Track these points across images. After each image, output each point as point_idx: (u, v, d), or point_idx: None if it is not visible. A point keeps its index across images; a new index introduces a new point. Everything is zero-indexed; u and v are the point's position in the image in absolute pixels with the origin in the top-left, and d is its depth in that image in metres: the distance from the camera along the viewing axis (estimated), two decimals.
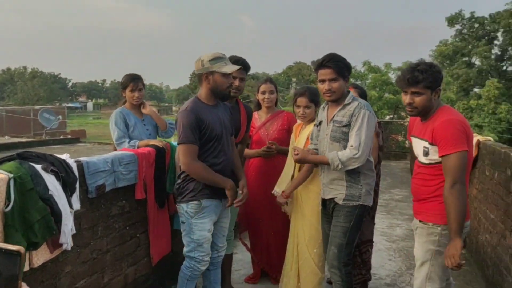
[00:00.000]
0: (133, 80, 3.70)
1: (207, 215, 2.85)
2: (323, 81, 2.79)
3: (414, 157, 2.74)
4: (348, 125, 2.75)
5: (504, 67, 40.76)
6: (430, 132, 2.42)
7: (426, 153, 2.46)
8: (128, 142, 3.49)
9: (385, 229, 5.70)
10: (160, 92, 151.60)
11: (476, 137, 4.83)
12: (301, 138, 3.42)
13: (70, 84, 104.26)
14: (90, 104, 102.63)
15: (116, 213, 3.01)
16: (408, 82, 2.42)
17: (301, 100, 3.39)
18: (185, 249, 2.92)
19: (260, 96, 3.74)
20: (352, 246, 2.86)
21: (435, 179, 2.45)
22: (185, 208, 2.84)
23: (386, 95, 24.06)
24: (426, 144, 2.45)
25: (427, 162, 2.48)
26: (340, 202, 2.82)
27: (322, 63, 2.77)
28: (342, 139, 2.79)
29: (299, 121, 3.52)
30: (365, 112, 2.72)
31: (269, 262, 3.83)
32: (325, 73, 2.76)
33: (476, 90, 37.94)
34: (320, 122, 2.99)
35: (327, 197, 2.92)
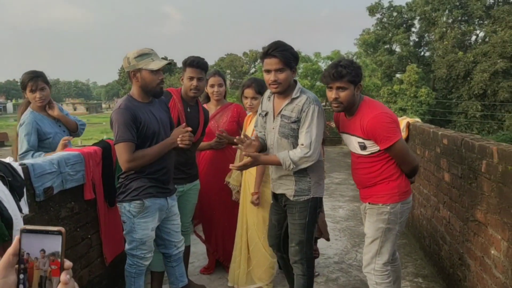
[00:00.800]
0: (32, 79, 3.24)
1: (150, 214, 2.80)
2: (268, 71, 2.63)
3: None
4: (297, 121, 2.66)
5: (422, 53, 43.62)
6: (360, 128, 2.59)
7: (363, 147, 2.65)
8: (32, 155, 3.09)
9: (328, 211, 5.97)
10: (87, 89, 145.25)
11: (406, 119, 5.20)
12: (249, 128, 3.51)
13: None
14: (10, 105, 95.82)
15: (66, 215, 2.91)
16: (333, 76, 2.54)
17: (248, 92, 3.47)
18: (127, 246, 2.86)
19: (209, 89, 3.75)
20: (312, 240, 2.88)
21: (377, 165, 2.65)
22: (127, 207, 2.77)
23: (318, 83, 24.95)
24: (360, 139, 2.63)
25: (367, 153, 2.66)
26: (291, 199, 2.79)
27: (267, 52, 2.62)
28: (290, 135, 2.70)
29: (248, 113, 3.60)
30: (314, 108, 2.63)
31: (225, 252, 3.90)
32: (270, 62, 2.60)
33: (398, 75, 40.26)
34: (266, 113, 2.87)
35: (277, 191, 2.88)
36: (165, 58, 3.55)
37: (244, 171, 3.49)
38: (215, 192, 3.74)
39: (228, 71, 54.75)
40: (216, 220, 3.85)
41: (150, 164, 2.76)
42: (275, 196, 2.98)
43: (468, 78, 34.94)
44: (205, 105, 3.80)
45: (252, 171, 3.41)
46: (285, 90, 2.71)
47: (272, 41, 2.69)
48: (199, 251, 4.41)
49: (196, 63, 3.27)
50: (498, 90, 33.49)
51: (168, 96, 3.32)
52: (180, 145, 2.82)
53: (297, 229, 2.83)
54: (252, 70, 56.52)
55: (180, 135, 2.84)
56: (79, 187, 3.01)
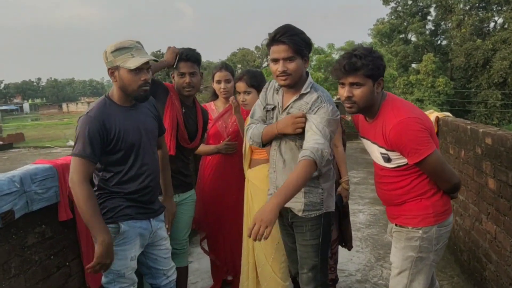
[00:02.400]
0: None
1: (129, 240, 2.28)
2: (275, 60, 2.17)
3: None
4: (306, 121, 2.22)
5: (439, 42, 42.46)
6: (382, 137, 2.05)
7: (387, 160, 2.10)
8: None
9: None
10: (101, 87, 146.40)
11: (434, 114, 4.62)
12: None
13: (2, 85, 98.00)
14: (26, 105, 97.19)
15: (34, 242, 2.43)
16: (345, 69, 2.00)
17: (239, 86, 2.96)
18: (103, 280, 2.35)
19: (215, 86, 3.27)
20: (327, 261, 2.42)
21: (405, 179, 2.10)
22: None
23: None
24: (383, 150, 2.09)
25: (392, 166, 2.11)
26: (300, 214, 2.31)
27: (274, 38, 2.15)
28: (298, 138, 2.25)
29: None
30: (327, 107, 2.17)
31: (234, 266, 3.40)
32: (278, 50, 2.14)
33: (414, 65, 39.26)
34: (274, 108, 2.38)
35: None
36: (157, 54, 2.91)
37: (246, 181, 2.97)
38: (223, 201, 3.26)
39: (240, 66, 54.21)
40: (225, 232, 3.36)
41: (127, 182, 2.26)
42: (280, 212, 2.45)
43: (487, 66, 33.73)
44: (212, 103, 3.35)
45: (255, 181, 2.90)
46: (296, 83, 2.22)
47: (281, 25, 2.18)
48: (203, 268, 3.93)
49: (186, 55, 2.78)
50: None
51: (166, 91, 2.85)
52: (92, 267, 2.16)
53: (309, 251, 2.35)
54: (265, 64, 55.91)
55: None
56: (52, 206, 2.53)
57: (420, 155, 1.96)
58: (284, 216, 2.44)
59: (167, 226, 2.57)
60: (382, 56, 2.06)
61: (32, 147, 18.12)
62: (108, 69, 2.23)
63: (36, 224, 2.45)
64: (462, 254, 3.63)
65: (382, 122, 2.05)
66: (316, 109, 2.17)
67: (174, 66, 2.85)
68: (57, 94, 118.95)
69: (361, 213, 5.60)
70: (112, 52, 2.18)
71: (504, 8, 36.23)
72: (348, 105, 2.07)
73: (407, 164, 2.04)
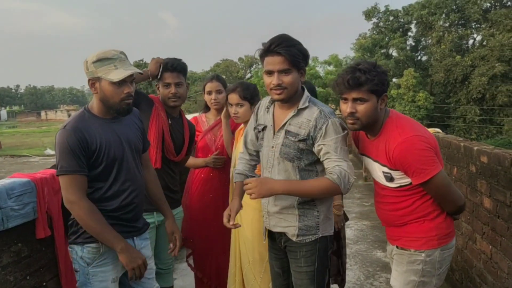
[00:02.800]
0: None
1: (111, 261, 2.12)
2: (270, 72, 2.02)
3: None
4: (307, 139, 2.06)
5: (419, 57, 43.32)
6: (386, 155, 1.96)
7: (390, 179, 2.01)
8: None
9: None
10: (82, 95, 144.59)
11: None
12: (240, 143, 2.86)
13: None
14: (3, 112, 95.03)
15: (10, 262, 2.25)
16: (349, 84, 1.91)
17: (232, 97, 2.82)
18: None
19: (206, 97, 3.16)
20: None
21: (408, 200, 2.01)
22: (80, 253, 2.10)
23: (316, 88, 24.45)
24: (385, 169, 2.00)
25: (394, 186, 2.03)
26: (294, 239, 2.16)
27: (269, 48, 2.00)
28: (297, 157, 2.09)
29: (241, 126, 2.97)
30: (334, 121, 2.02)
31: (220, 283, 3.26)
32: (273, 61, 2.00)
33: (395, 80, 39.87)
34: (264, 128, 2.24)
35: (274, 229, 2.24)
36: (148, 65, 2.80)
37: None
38: (211, 216, 3.12)
39: (224, 77, 54.15)
40: (212, 248, 3.22)
41: (109, 199, 2.12)
42: (271, 234, 2.33)
43: (466, 82, 34.49)
44: (203, 115, 3.25)
45: (245, 197, 2.77)
46: (291, 98, 2.08)
47: (276, 35, 2.03)
48: (188, 286, 3.79)
49: (171, 66, 2.67)
50: (496, 94, 33.06)
51: (151, 103, 2.72)
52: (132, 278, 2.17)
53: (304, 279, 2.20)
54: (248, 76, 56.06)
55: (170, 250, 2.38)
56: (29, 223, 2.36)
57: (425, 175, 1.87)
58: (277, 240, 2.29)
59: (171, 249, 2.45)
60: (386, 71, 1.98)
61: (9, 156, 17.56)
62: (89, 80, 2.09)
63: (12, 242, 2.28)
64: (454, 273, 3.56)
65: (385, 139, 1.97)
66: (324, 127, 2.01)
67: (158, 77, 2.73)
68: (36, 101, 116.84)
69: (348, 228, 5.51)
70: (94, 62, 2.03)
71: (483, 25, 37.30)
72: (351, 121, 1.98)
73: (410, 184, 1.95)
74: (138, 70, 2.12)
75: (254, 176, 2.32)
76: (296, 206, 2.13)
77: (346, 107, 1.97)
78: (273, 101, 2.23)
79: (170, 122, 2.76)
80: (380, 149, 1.99)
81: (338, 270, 3.13)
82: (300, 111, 2.09)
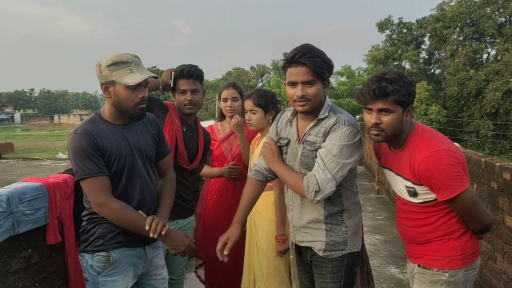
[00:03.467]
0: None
1: (120, 270, 2.09)
2: (293, 83, 1.97)
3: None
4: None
5: (432, 70, 43.08)
6: (410, 169, 1.89)
7: (413, 194, 1.94)
8: None
9: None
10: (95, 100, 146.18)
11: None
12: (257, 151, 2.80)
13: None
14: (17, 115, 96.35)
15: (19, 268, 2.21)
16: (374, 94, 1.84)
17: (247, 104, 2.81)
18: None
19: (222, 104, 3.13)
20: None
21: (432, 217, 1.93)
22: (89, 261, 2.07)
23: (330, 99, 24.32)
24: (409, 183, 1.92)
25: (418, 201, 1.95)
26: (321, 254, 2.11)
27: (293, 59, 1.95)
28: None
29: (258, 134, 2.92)
30: (348, 129, 1.95)
31: None
32: (297, 72, 1.94)
33: None
34: (288, 142, 2.16)
35: (300, 244, 2.21)
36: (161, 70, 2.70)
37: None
38: (225, 228, 3.04)
39: None
40: (223, 262, 3.13)
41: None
42: (298, 248, 2.28)
43: (480, 97, 34.16)
44: (219, 124, 3.20)
45: (260, 208, 2.71)
46: (314, 109, 2.03)
47: (299, 45, 1.98)
48: None
49: (187, 72, 2.64)
50: (510, 109, 32.70)
51: (165, 110, 2.68)
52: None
53: None
54: (260, 85, 56.21)
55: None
56: (40, 229, 2.33)
57: (452, 192, 1.79)
58: (304, 254, 2.24)
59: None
60: (413, 82, 1.91)
61: (21, 159, 17.71)
62: (102, 84, 2.05)
63: (22, 248, 2.24)
64: None
65: (410, 153, 1.90)
66: (332, 131, 1.96)
67: (171, 85, 2.70)
68: (50, 105, 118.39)
69: None
70: (108, 66, 2.00)
71: (498, 40, 36.97)
72: (375, 133, 1.92)
73: (435, 200, 1.88)
74: (153, 75, 2.10)
75: (273, 177, 2.28)
76: (323, 220, 2.08)
77: (370, 118, 1.90)
78: (295, 114, 2.17)
79: (184, 129, 2.72)
80: (404, 162, 1.92)
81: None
82: (319, 121, 2.04)
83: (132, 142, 2.11)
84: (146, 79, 2.04)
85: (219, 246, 2.13)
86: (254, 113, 2.77)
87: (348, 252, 2.09)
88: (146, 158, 2.18)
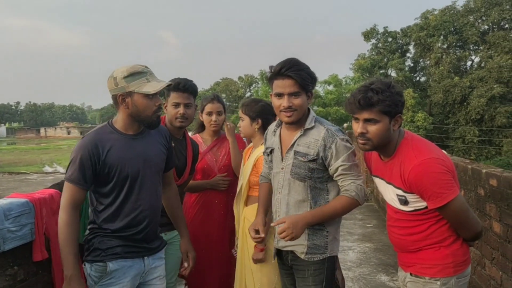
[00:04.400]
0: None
1: (117, 281, 2.08)
2: (280, 95, 2.10)
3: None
4: (316, 159, 2.11)
5: (418, 78, 43.62)
6: (400, 178, 1.90)
7: (404, 202, 1.95)
8: None
9: None
10: (82, 113, 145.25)
11: None
12: (248, 163, 2.80)
13: None
14: (3, 129, 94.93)
15: (5, 286, 2.18)
16: (360, 104, 1.87)
17: (239, 111, 2.93)
18: None
19: (205, 118, 3.09)
20: None
21: (423, 225, 1.94)
22: (89, 271, 2.08)
23: (315, 108, 24.43)
24: (400, 192, 1.94)
25: (409, 210, 1.96)
26: (302, 257, 2.19)
27: (280, 71, 2.08)
28: (308, 177, 2.14)
29: (250, 144, 2.94)
30: (343, 139, 2.11)
31: None
32: (283, 84, 2.08)
33: None
34: (272, 150, 2.31)
35: (283, 248, 2.26)
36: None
37: (242, 220, 2.77)
38: (211, 243, 3.00)
39: (224, 95, 54.42)
40: (210, 277, 3.09)
41: (117, 218, 2.09)
42: (279, 252, 2.33)
43: (465, 103, 34.64)
44: (198, 135, 3.14)
45: (253, 218, 2.69)
46: (299, 120, 2.15)
47: (286, 59, 2.12)
48: None
49: (183, 86, 2.64)
50: (495, 115, 33.19)
51: None
52: None
53: None
54: (248, 94, 56.32)
55: (183, 269, 2.41)
56: (26, 245, 2.30)
57: (442, 199, 1.81)
58: (284, 258, 2.30)
59: (184, 268, 2.45)
60: (401, 91, 1.93)
61: (7, 173, 17.45)
62: (118, 96, 2.07)
63: (8, 265, 2.21)
64: None
65: (400, 161, 1.91)
66: (333, 147, 2.08)
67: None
68: (36, 118, 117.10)
69: (350, 251, 5.41)
70: (125, 77, 2.04)
71: (481, 47, 37.68)
72: (362, 142, 1.94)
73: (425, 208, 1.89)
74: (168, 82, 2.14)
75: None
76: None
77: (357, 127, 1.93)
78: (279, 124, 2.30)
79: (173, 144, 2.71)
80: (395, 171, 1.93)
81: None
82: (306, 131, 2.16)
83: (141, 153, 2.14)
84: (164, 87, 2.10)
85: (252, 234, 2.23)
86: (242, 120, 2.85)
87: (328, 255, 2.18)
88: (154, 168, 2.19)
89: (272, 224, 2.20)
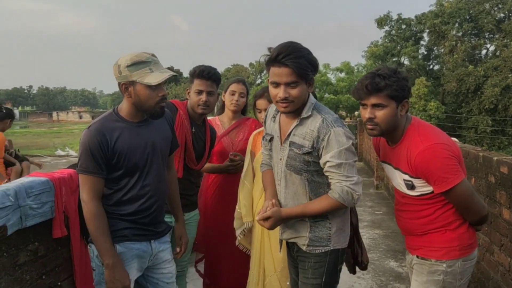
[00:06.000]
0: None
1: (124, 263, 2.11)
2: (276, 84, 1.93)
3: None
4: (312, 151, 1.97)
5: (431, 66, 43.04)
6: (407, 163, 1.94)
7: (411, 187, 1.99)
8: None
9: None
10: (93, 97, 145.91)
11: None
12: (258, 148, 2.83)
13: None
14: (16, 112, 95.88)
15: (26, 260, 2.27)
16: (367, 90, 1.90)
17: (260, 103, 2.85)
18: None
19: (227, 97, 3.11)
20: None
21: (429, 209, 1.98)
22: (96, 252, 2.10)
23: (327, 95, 24.27)
24: (407, 177, 1.97)
25: (415, 194, 2.00)
26: (304, 249, 2.11)
27: (276, 58, 1.89)
28: (304, 170, 2.01)
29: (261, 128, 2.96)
30: (337, 131, 1.93)
31: None
32: (280, 73, 1.89)
33: None
34: (272, 138, 2.19)
35: (286, 239, 2.21)
36: (171, 68, 2.74)
37: (256, 206, 2.79)
38: (226, 222, 3.07)
39: None
40: (224, 255, 3.16)
41: (126, 203, 2.13)
42: (287, 243, 2.28)
43: (479, 93, 34.16)
44: (216, 118, 3.19)
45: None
46: (298, 109, 2.01)
47: (284, 43, 1.93)
48: None
49: (207, 74, 2.66)
50: (509, 105, 32.70)
51: (173, 110, 2.69)
52: None
53: None
54: (258, 81, 56.15)
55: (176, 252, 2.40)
56: (46, 222, 2.38)
57: (447, 184, 1.85)
58: (291, 249, 2.27)
59: (177, 252, 2.47)
60: (407, 77, 1.95)
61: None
62: (122, 84, 2.07)
63: (29, 241, 2.29)
64: (469, 285, 3.50)
65: (407, 147, 1.95)
66: (326, 138, 1.93)
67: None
68: (48, 102, 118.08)
69: None
70: (128, 66, 2.02)
71: (496, 36, 36.98)
72: (370, 127, 1.97)
73: (432, 192, 1.93)
74: (173, 73, 2.11)
75: None
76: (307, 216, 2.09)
77: (365, 113, 1.96)
78: (280, 112, 2.15)
79: (193, 130, 2.75)
80: (402, 156, 1.97)
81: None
82: (303, 120, 2.02)
83: (147, 140, 2.15)
84: (167, 78, 2.06)
85: (259, 217, 2.06)
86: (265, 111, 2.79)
87: (331, 248, 2.08)
88: (160, 154, 2.22)
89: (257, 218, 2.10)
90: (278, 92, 1.93)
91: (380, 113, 1.92)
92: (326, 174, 1.99)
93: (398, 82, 1.89)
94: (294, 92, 1.92)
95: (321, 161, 1.97)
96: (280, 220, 2.05)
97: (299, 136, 2.01)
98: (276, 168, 2.16)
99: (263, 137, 2.30)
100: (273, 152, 2.19)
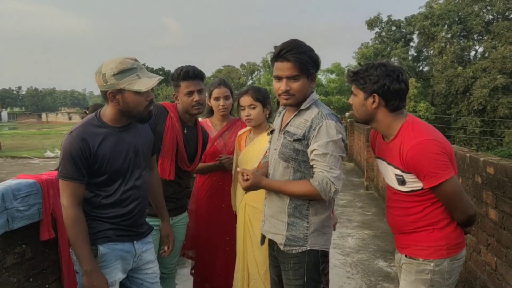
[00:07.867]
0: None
1: (108, 264, 2.11)
2: (279, 78, 2.05)
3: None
4: (302, 140, 2.03)
5: (421, 67, 43.39)
6: (399, 157, 1.97)
7: (401, 182, 2.02)
8: None
9: (336, 239, 5.31)
10: (83, 98, 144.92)
11: None
12: (249, 151, 2.82)
13: None
14: (4, 113, 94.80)
15: (13, 263, 2.25)
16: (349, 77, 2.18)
17: (244, 100, 2.81)
18: None
19: (213, 103, 3.13)
20: None
21: (418, 206, 2.01)
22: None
23: (318, 96, 24.29)
24: (398, 171, 2.01)
25: (406, 190, 2.03)
26: (282, 248, 2.13)
27: (279, 54, 2.02)
28: (292, 158, 2.07)
29: (246, 128, 2.97)
30: (328, 123, 1.99)
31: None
32: (282, 67, 2.02)
33: None
34: (273, 131, 2.32)
35: (266, 235, 2.24)
36: (162, 69, 2.73)
37: (243, 206, 2.80)
38: (218, 223, 3.08)
39: None
40: (216, 255, 3.16)
41: (108, 207, 2.12)
42: (269, 242, 2.30)
43: (468, 94, 34.51)
44: (207, 120, 3.20)
45: (254, 203, 2.73)
46: (299, 103, 2.11)
47: (288, 40, 2.06)
48: None
49: (193, 73, 2.67)
50: (497, 106, 33.09)
51: (164, 113, 2.68)
52: None
53: None
54: (250, 82, 56.18)
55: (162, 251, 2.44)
56: (34, 225, 2.36)
57: (437, 179, 1.88)
58: (271, 246, 2.29)
59: (164, 251, 2.49)
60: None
61: (9, 157, 17.55)
62: (108, 93, 2.04)
63: (16, 243, 2.28)
64: (457, 284, 3.54)
65: (400, 142, 1.98)
66: (317, 128, 1.99)
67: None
68: (37, 103, 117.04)
69: (350, 237, 5.49)
70: (114, 74, 1.99)
71: (485, 37, 37.37)
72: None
73: (422, 189, 1.96)
74: (160, 77, 2.10)
75: None
76: (286, 212, 2.11)
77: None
78: (284, 107, 2.25)
79: (185, 131, 2.75)
80: (394, 151, 2.00)
81: None
82: (301, 111, 2.10)
83: (129, 145, 2.14)
84: (154, 84, 2.05)
85: (241, 169, 2.16)
86: (254, 108, 2.78)
87: (309, 248, 2.08)
88: (142, 157, 2.22)
89: (238, 169, 2.19)
90: (280, 86, 2.05)
91: (295, 85, 2.07)
92: (312, 163, 2.02)
93: (370, 77, 2.02)
94: (295, 85, 2.03)
95: (309, 150, 2.02)
96: (257, 186, 2.10)
97: (294, 126, 2.09)
98: (270, 158, 2.24)
99: (268, 133, 2.39)
100: (271, 143, 2.26)
